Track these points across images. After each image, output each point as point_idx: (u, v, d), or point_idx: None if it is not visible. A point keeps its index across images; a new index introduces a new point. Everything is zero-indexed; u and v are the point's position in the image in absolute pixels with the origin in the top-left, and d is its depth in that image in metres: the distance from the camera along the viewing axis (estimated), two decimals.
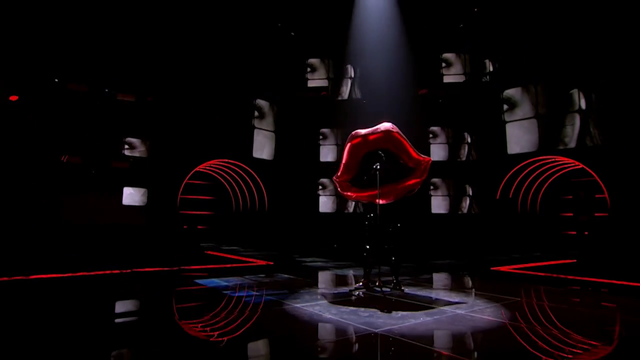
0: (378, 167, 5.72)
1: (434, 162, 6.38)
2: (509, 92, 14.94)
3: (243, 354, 3.47)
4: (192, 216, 16.34)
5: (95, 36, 12.64)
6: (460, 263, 9.98)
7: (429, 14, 15.72)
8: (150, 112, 13.71)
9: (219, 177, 17.11)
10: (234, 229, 16.76)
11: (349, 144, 6.29)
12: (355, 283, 6.60)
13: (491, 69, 15.70)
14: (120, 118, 13.13)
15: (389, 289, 5.82)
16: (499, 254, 12.05)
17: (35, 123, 11.63)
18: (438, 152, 16.34)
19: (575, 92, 13.24)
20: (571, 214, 14.80)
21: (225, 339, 3.80)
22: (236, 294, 5.86)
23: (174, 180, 14.18)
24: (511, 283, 7.21)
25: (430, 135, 16.46)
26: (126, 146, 13.36)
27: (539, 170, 14.59)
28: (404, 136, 6.05)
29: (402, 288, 5.91)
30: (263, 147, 16.61)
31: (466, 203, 16.09)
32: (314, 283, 7.09)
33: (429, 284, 6.97)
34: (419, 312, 4.61)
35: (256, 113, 16.48)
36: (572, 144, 13.21)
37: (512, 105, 14.83)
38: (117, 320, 4.64)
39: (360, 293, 5.76)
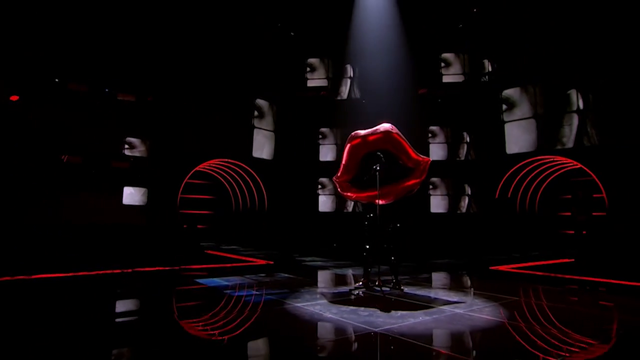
0: (377, 168, 5.76)
1: (433, 161, 6.44)
2: (508, 92, 15.00)
3: (246, 352, 3.52)
4: (191, 215, 16.37)
5: (95, 36, 12.67)
6: (459, 262, 10.03)
7: (428, 14, 15.76)
8: (151, 112, 13.74)
9: (219, 177, 17.15)
10: (234, 229, 16.80)
11: (348, 145, 6.33)
12: (355, 282, 6.65)
13: (490, 69, 15.75)
14: (120, 118, 13.15)
15: (388, 289, 5.88)
16: (498, 253, 12.10)
17: (35, 123, 11.66)
18: (437, 151, 16.40)
19: (572, 92, 13.31)
20: (569, 214, 14.87)
21: (228, 337, 3.85)
22: (237, 294, 5.91)
23: (174, 180, 14.21)
24: (509, 282, 7.27)
25: (430, 135, 16.52)
26: (126, 146, 13.39)
27: (538, 170, 14.66)
28: (403, 137, 6.10)
29: (402, 287, 5.96)
30: (263, 146, 16.65)
31: (465, 202, 16.15)
32: (314, 282, 7.15)
33: (428, 283, 7.03)
34: (418, 312, 4.66)
35: (256, 113, 16.52)
36: (570, 144, 13.28)
37: (511, 105, 14.89)
38: (120, 320, 4.69)
39: (360, 292, 5.81)
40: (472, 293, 6.20)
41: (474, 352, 3.57)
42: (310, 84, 17.27)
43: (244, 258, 10.32)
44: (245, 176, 16.57)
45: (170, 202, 14.08)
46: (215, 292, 5.99)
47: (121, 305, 5.50)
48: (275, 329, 4.11)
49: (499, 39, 15.21)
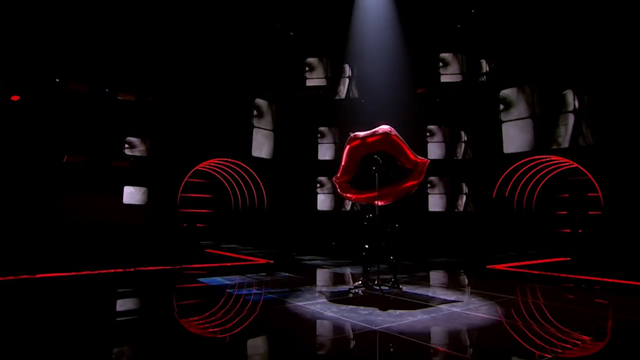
0: (376, 170, 5.84)
1: (431, 160, 6.53)
2: (505, 92, 15.11)
3: (250, 350, 3.63)
4: (191, 214, 16.45)
5: (95, 36, 12.72)
6: (457, 261, 10.15)
7: (426, 14, 15.86)
8: (151, 111, 13.81)
9: (218, 176, 17.23)
10: (233, 227, 16.90)
11: (347, 147, 6.40)
12: (354, 281, 6.77)
13: (487, 69, 15.86)
14: (120, 118, 13.21)
15: (387, 287, 5.98)
16: (495, 251, 12.23)
17: (36, 123, 11.71)
18: (435, 150, 16.52)
19: (568, 93, 13.45)
20: (565, 213, 15.01)
21: (232, 336, 3.95)
22: (239, 292, 6.02)
23: (174, 179, 14.29)
24: (506, 281, 7.38)
25: (428, 134, 16.63)
26: (126, 145, 13.46)
27: (535, 170, 14.79)
28: (402, 138, 6.19)
29: (400, 286, 6.07)
30: (262, 146, 16.73)
31: (462, 201, 16.27)
32: (314, 281, 7.25)
33: (426, 282, 7.14)
34: (417, 310, 4.77)
35: (255, 112, 16.60)
36: (566, 144, 13.43)
37: (508, 105, 15.02)
38: (125, 318, 4.78)
39: (360, 291, 5.92)
40: (469, 292, 6.31)
41: (471, 349, 3.68)
42: (309, 83, 17.35)
43: (244, 257, 10.41)
44: (245, 175, 16.66)
45: (170, 201, 14.16)
46: (217, 291, 6.09)
47: (126, 304, 5.61)
48: (277, 328, 4.21)
49: (496, 40, 15.33)
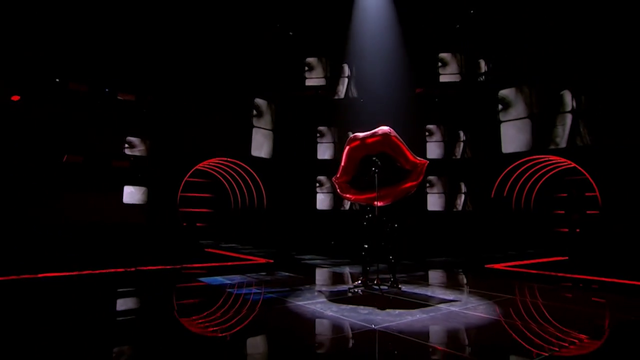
0: (376, 171, 5.88)
1: (430, 159, 6.58)
2: (504, 92, 15.18)
3: (252, 349, 3.69)
4: (191, 214, 16.50)
5: (95, 36, 12.75)
6: (455, 260, 10.21)
7: (426, 15, 15.91)
8: (150, 111, 13.85)
9: (218, 176, 17.28)
10: (233, 227, 16.95)
11: (347, 147, 6.45)
12: (354, 281, 6.82)
13: (486, 69, 15.92)
14: (120, 117, 13.25)
15: (386, 287, 6.04)
16: (494, 251, 12.30)
17: (36, 123, 11.74)
18: (434, 150, 16.58)
19: (566, 93, 13.53)
20: (563, 212, 15.08)
21: (235, 335, 4.01)
22: (240, 292, 6.07)
23: (173, 179, 14.33)
24: (504, 280, 7.45)
25: (427, 133, 16.69)
26: (126, 145, 13.50)
27: (533, 169, 14.87)
28: (402, 140, 6.24)
29: (399, 286, 6.12)
30: (261, 145, 16.78)
31: (461, 200, 16.34)
32: (314, 281, 7.31)
33: (424, 281, 7.20)
34: (416, 310, 4.83)
35: (254, 112, 16.64)
36: (563, 144, 13.51)
37: (507, 105, 15.09)
38: (128, 317, 4.83)
39: (359, 291, 5.98)
40: (467, 291, 6.37)
41: (469, 348, 3.75)
42: (308, 83, 17.40)
43: (244, 256, 10.45)
44: (244, 175, 16.71)
45: (170, 200, 14.20)
46: (219, 291, 6.15)
47: (127, 304, 5.66)
48: (278, 327, 4.27)
49: (495, 40, 15.39)
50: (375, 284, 5.97)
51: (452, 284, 7.18)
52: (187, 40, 14.53)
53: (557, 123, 13.64)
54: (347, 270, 8.34)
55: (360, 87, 16.95)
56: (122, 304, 5.61)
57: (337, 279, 7.50)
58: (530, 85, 14.50)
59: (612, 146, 12.29)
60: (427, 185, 16.48)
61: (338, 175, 6.62)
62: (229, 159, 15.90)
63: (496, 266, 9.14)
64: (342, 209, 16.92)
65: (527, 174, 14.98)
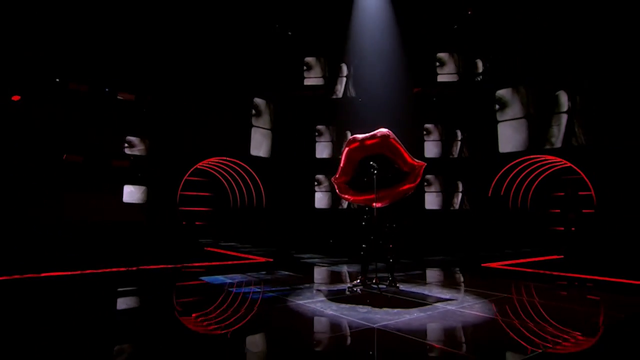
0: (374, 173, 5.97)
1: (427, 158, 6.69)
2: (500, 93, 15.32)
3: (254, 347, 3.79)
4: (190, 212, 16.57)
5: (95, 36, 12.80)
6: (453, 259, 10.33)
7: (423, 15, 16.00)
8: (150, 111, 13.92)
9: (217, 175, 17.36)
10: (232, 225, 17.04)
11: (346, 149, 6.54)
12: (352, 280, 6.93)
13: (483, 69, 16.04)
14: (120, 117, 13.32)
15: (385, 286, 6.14)
16: (491, 249, 12.41)
17: (36, 123, 11.81)
18: (432, 149, 16.69)
19: (561, 93, 13.68)
20: (559, 211, 15.22)
21: (233, 333, 4.11)
22: (240, 291, 6.17)
23: (173, 178, 14.42)
24: (500, 279, 7.56)
25: (424, 133, 16.80)
26: (126, 145, 13.57)
27: (529, 169, 15.01)
28: (400, 142, 6.34)
29: (398, 285, 6.23)
30: (260, 144, 16.87)
31: (458, 199, 16.47)
32: (313, 280, 7.42)
33: (422, 280, 7.31)
34: (413, 309, 4.94)
35: (253, 111, 16.72)
36: (559, 144, 13.67)
37: (503, 105, 15.22)
38: (128, 316, 4.92)
39: (358, 290, 6.08)
40: (464, 290, 6.48)
41: (465, 345, 3.86)
42: (307, 82, 17.49)
43: (244, 255, 10.53)
44: (243, 174, 16.80)
45: (170, 199, 14.29)
46: (220, 290, 6.24)
47: (128, 302, 5.75)
48: (279, 326, 4.38)
49: (492, 41, 15.51)
50: (374, 283, 6.07)
51: (449, 282, 7.29)
52: (187, 40, 14.59)
53: (553, 123, 13.80)
54: (345, 269, 8.44)
55: (358, 86, 17.04)
56: (124, 303, 5.71)
57: (335, 277, 7.61)
58: (526, 86, 14.64)
59: (607, 146, 12.45)
60: (425, 184, 16.59)
61: (337, 176, 6.70)
62: (228, 158, 16.00)
63: (492, 265, 9.25)
64: (340, 207, 17.04)
65: (524, 173, 15.12)
